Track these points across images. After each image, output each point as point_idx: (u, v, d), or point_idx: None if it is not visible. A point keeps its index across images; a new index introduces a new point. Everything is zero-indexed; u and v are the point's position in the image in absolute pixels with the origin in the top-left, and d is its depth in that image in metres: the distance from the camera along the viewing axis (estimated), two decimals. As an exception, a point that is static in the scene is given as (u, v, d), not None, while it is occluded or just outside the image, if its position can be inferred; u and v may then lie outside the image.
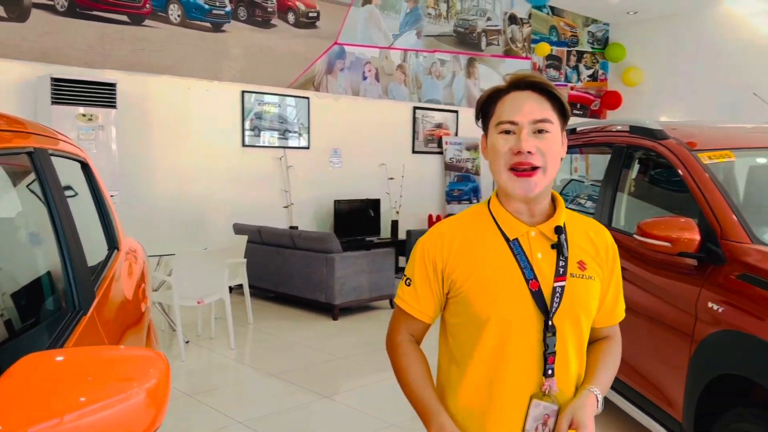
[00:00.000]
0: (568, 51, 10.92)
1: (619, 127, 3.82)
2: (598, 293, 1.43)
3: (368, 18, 8.29)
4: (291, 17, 7.61)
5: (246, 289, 5.98)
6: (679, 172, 2.92)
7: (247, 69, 7.29)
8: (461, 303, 1.40)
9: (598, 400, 1.37)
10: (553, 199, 1.45)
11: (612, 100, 11.24)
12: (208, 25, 6.95)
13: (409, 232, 8.29)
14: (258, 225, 6.85)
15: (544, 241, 1.39)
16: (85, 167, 2.26)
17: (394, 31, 8.57)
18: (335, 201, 7.83)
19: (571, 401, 1.36)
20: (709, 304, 2.44)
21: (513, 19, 10.05)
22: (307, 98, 7.77)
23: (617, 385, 3.20)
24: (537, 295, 1.35)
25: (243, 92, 7.24)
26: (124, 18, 6.38)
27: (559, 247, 1.38)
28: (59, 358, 0.92)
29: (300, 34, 7.69)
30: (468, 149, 9.35)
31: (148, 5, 6.51)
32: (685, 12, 10.22)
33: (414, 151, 8.92)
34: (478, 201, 9.44)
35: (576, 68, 11.10)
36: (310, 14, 7.78)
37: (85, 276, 1.65)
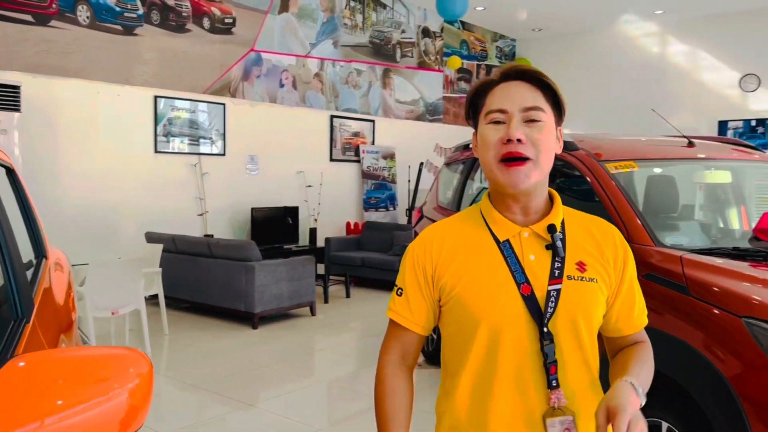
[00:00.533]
0: (478, 65, 11.37)
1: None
2: (601, 297, 1.30)
3: (285, 26, 8.31)
4: (206, 22, 7.51)
5: (161, 300, 5.83)
6: (589, 180, 3.17)
7: (161, 73, 7.12)
8: (451, 310, 1.31)
9: (636, 390, 1.17)
10: (551, 198, 1.36)
11: (519, 113, 11.78)
12: (119, 27, 6.75)
13: (327, 240, 8.35)
14: (172, 233, 6.69)
15: (538, 241, 1.29)
16: (11, 173, 2.19)
17: (311, 40, 8.63)
18: (252, 208, 7.77)
19: (605, 396, 1.18)
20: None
21: (426, 33, 10.36)
22: (223, 104, 7.68)
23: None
24: (529, 300, 1.24)
25: (156, 97, 7.07)
26: (29, 18, 6.08)
27: (553, 248, 1.27)
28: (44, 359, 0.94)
29: (216, 40, 7.60)
30: (384, 158, 9.53)
31: (54, 5, 6.24)
32: (585, 30, 10.91)
33: (332, 159, 9.00)
34: (394, 209, 9.63)
35: (486, 81, 11.58)
36: (226, 20, 7.70)
37: (25, 284, 1.62)
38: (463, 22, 10.89)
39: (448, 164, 5.29)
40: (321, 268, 7.70)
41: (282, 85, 8.29)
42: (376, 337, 5.85)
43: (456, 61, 9.94)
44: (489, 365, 1.26)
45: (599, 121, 10.70)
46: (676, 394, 2.41)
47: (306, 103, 8.61)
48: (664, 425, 2.42)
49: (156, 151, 7.11)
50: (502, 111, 1.26)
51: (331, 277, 7.96)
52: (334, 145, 9.00)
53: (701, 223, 3.60)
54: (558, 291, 1.25)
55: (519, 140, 1.23)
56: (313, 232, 8.46)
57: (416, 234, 5.34)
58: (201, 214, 7.53)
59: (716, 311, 2.24)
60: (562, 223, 1.32)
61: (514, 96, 1.27)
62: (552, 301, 1.24)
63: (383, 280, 8.06)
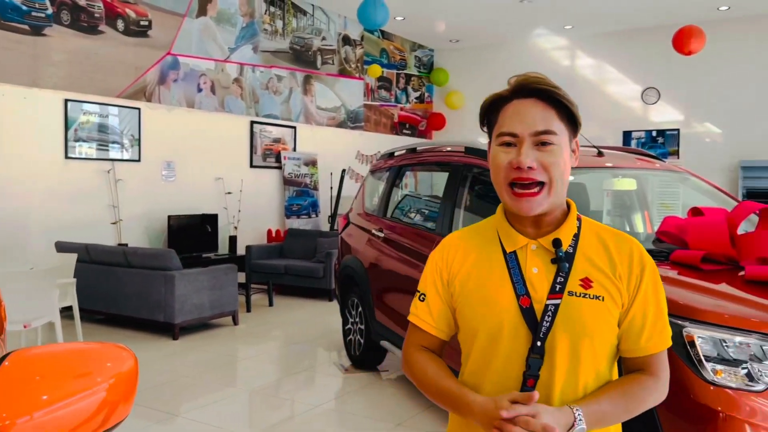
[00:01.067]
0: (397, 73, 11.62)
1: (451, 148, 4.27)
2: (608, 315, 1.27)
3: (203, 30, 8.20)
4: (120, 24, 7.31)
5: (76, 311, 5.62)
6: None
7: (72, 76, 6.87)
8: (459, 315, 1.36)
9: (575, 419, 1.17)
10: (569, 208, 1.35)
11: (437, 122, 12.12)
12: (27, 27, 6.46)
13: (248, 248, 8.28)
14: (84, 242, 6.45)
15: (544, 254, 1.30)
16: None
17: (230, 45, 8.56)
18: (169, 216, 7.60)
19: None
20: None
21: (347, 41, 10.49)
22: (138, 109, 7.49)
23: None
24: (527, 313, 1.26)
25: (66, 101, 6.80)
26: (-76, 12, 5.73)
27: (558, 262, 1.27)
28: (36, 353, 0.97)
29: (130, 43, 7.41)
30: (306, 164, 9.56)
31: (-47, 0, 5.91)
32: (500, 43, 11.38)
33: (252, 166, 8.94)
34: (317, 216, 9.67)
35: (405, 90, 11.83)
36: (142, 23, 7.52)
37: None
38: (383, 32, 11.10)
39: (373, 172, 5.41)
40: (242, 277, 7.63)
41: (200, 90, 8.18)
42: (300, 345, 5.88)
43: (376, 70, 10.12)
44: (481, 372, 1.30)
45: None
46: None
47: (225, 109, 8.52)
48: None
49: (66, 157, 6.84)
50: (512, 134, 1.26)
51: (252, 285, 7.90)
52: (255, 151, 8.95)
53: (616, 225, 3.88)
54: (556, 306, 1.24)
55: (530, 167, 1.23)
56: (233, 240, 8.37)
57: (342, 241, 5.44)
58: (114, 223, 7.30)
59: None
60: (577, 236, 1.31)
61: (526, 118, 1.25)
62: (549, 316, 1.24)
63: (307, 287, 8.08)
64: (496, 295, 1.29)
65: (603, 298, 1.26)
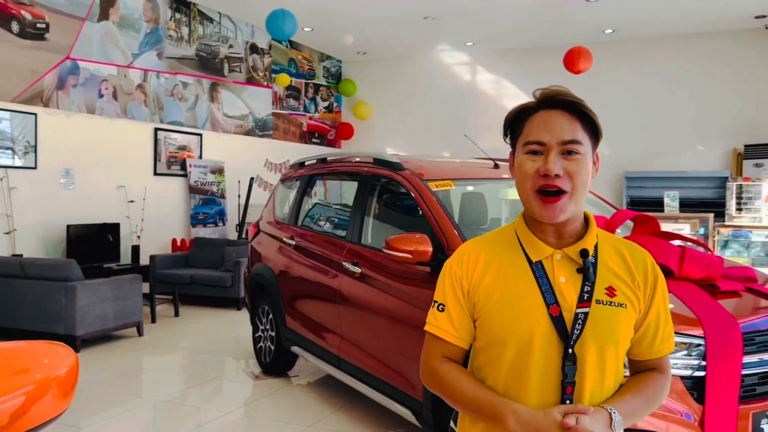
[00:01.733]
0: (306, 83, 11.74)
1: (361, 159, 4.48)
2: (630, 322, 1.35)
3: (105, 34, 8.00)
4: (15, 26, 7.02)
5: (-34, 327, 5.36)
6: (414, 197, 3.61)
7: (-40, 78, 6.53)
8: (482, 326, 1.36)
9: (612, 420, 1.26)
10: (586, 220, 1.39)
11: (346, 131, 12.34)
12: None
13: (152, 257, 8.12)
14: (-24, 254, 6.15)
15: (569, 264, 1.34)
16: None
17: (134, 50, 8.39)
18: (68, 226, 7.34)
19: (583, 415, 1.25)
20: (441, 302, 3.11)
21: (254, 49, 10.51)
22: (35, 114, 7.20)
23: (368, 379, 3.76)
24: (557, 321, 1.29)
25: (-46, 104, 6.46)
26: None
27: (584, 271, 1.32)
28: None
29: (26, 45, 7.13)
30: (213, 172, 9.49)
31: None
32: (405, 56, 11.77)
33: (156, 173, 8.77)
34: (224, 224, 9.61)
35: (314, 100, 11.97)
36: (38, 25, 7.26)
37: None
38: (291, 42, 11.20)
39: (283, 180, 5.52)
40: (146, 287, 7.47)
41: (101, 96, 7.96)
42: (207, 355, 5.88)
43: (285, 79, 10.21)
44: (513, 380, 1.32)
45: (421, 142, 11.58)
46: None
47: (128, 115, 8.34)
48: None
49: (-46, 163, 6.48)
50: (540, 143, 1.30)
51: (158, 296, 7.75)
52: (159, 158, 8.80)
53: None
54: (585, 314, 1.29)
55: (557, 175, 1.27)
56: (135, 249, 8.18)
57: (253, 249, 5.51)
58: (8, 232, 6.97)
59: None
60: (595, 246, 1.36)
61: (553, 127, 1.30)
62: (579, 324, 1.29)
63: (215, 297, 8.02)
64: (525, 304, 1.31)
65: (626, 305, 1.33)
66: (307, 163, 5.25)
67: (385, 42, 10.91)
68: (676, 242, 3.03)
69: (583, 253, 1.33)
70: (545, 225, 1.34)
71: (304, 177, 5.11)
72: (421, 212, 3.61)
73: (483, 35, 10.33)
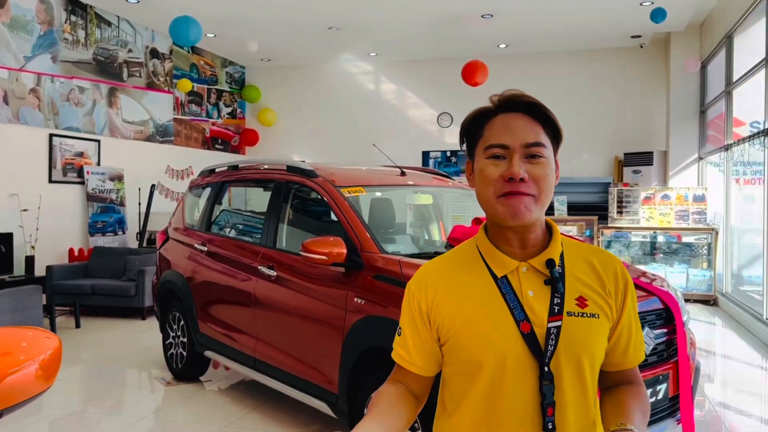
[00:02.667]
0: (208, 89, 11.70)
1: (274, 166, 4.68)
2: (603, 332, 1.29)
3: (-6, 34, 7.71)
4: None
5: None
6: (328, 202, 3.87)
7: None
8: (450, 350, 1.29)
9: None
10: (549, 229, 1.34)
11: (250, 138, 12.39)
12: None
13: (49, 268, 7.88)
14: None
15: (536, 276, 1.28)
16: None
17: (26, 53, 8.12)
18: (-45, 237, 7.02)
19: None
20: (355, 299, 3.39)
21: (155, 54, 10.39)
22: None
23: (284, 377, 3.97)
24: (529, 338, 1.23)
25: None
26: None
27: (552, 283, 1.26)
28: None
29: None
30: (112, 179, 9.29)
31: None
32: (310, 64, 12.00)
33: (51, 181, 8.50)
34: (124, 233, 9.43)
35: (216, 105, 11.95)
36: None
37: None
38: (193, 47, 11.14)
39: (193, 187, 5.61)
40: (44, 299, 7.24)
41: (-9, 99, 7.65)
42: (113, 365, 5.84)
43: (186, 84, 10.16)
44: (489, 405, 1.25)
45: (326, 149, 11.84)
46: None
47: (20, 120, 8.05)
48: (392, 392, 3.16)
49: None
50: (503, 146, 1.25)
51: (57, 307, 7.54)
52: (54, 165, 8.53)
53: (411, 235, 4.57)
54: (558, 328, 1.23)
55: (522, 179, 1.22)
56: (30, 260, 7.90)
57: (161, 256, 5.56)
58: None
59: (425, 299, 3.06)
60: (561, 255, 1.30)
61: (516, 130, 1.25)
62: (552, 339, 1.22)
63: (118, 307, 7.89)
64: (495, 323, 1.25)
65: (598, 315, 1.28)
66: (217, 170, 5.37)
67: (290, 50, 11.10)
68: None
69: (550, 263, 1.27)
70: (509, 234, 1.28)
71: (215, 184, 5.24)
72: (333, 217, 3.88)
73: (385, 46, 10.74)
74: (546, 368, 1.22)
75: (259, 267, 4.20)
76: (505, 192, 1.24)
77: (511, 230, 1.28)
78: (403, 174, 4.39)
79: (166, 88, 10.65)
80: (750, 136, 7.18)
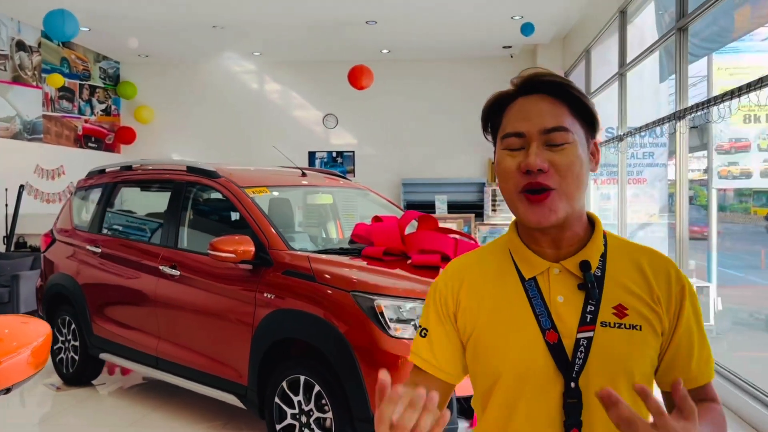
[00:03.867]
0: (81, 84, 11.22)
1: (170, 167, 4.76)
2: (647, 347, 1.13)
3: None
4: None
5: None
6: (233, 202, 4.04)
7: None
8: (472, 353, 1.20)
9: None
10: (592, 225, 1.21)
11: (126, 136, 12.00)
12: None
13: None
14: None
15: (570, 279, 1.16)
16: None
17: None
18: None
19: None
20: (265, 295, 3.60)
21: (21, 46, 9.84)
22: None
23: (189, 374, 4.09)
24: (555, 349, 1.11)
25: None
26: None
27: (586, 288, 1.14)
28: None
29: None
30: (-24, 180, 8.72)
31: None
32: (191, 61, 11.83)
33: None
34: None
35: (89, 102, 11.47)
36: None
37: None
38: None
39: (81, 188, 5.51)
40: None
41: None
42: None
43: (58, 79, 9.71)
44: (506, 419, 1.16)
45: (208, 148, 11.74)
46: (311, 354, 3.45)
47: None
48: (302, 378, 3.42)
49: None
50: (518, 134, 1.14)
51: None
52: None
53: (314, 233, 4.83)
54: (589, 340, 1.11)
55: (540, 170, 1.10)
56: None
57: (47, 260, 5.43)
58: None
59: (334, 290, 3.34)
60: (604, 255, 1.18)
61: (533, 115, 1.13)
62: (581, 352, 1.10)
63: (-14, 315, 7.45)
64: (518, 330, 1.15)
65: (640, 327, 1.13)
66: (108, 171, 5.33)
67: (170, 46, 10.90)
68: (453, 236, 3.87)
69: (584, 265, 1.15)
70: (537, 234, 1.17)
71: (107, 185, 5.20)
72: (238, 216, 4.06)
73: (270, 46, 10.85)
74: (573, 384, 1.10)
75: (161, 267, 4.27)
76: (524, 186, 1.12)
77: (540, 231, 1.16)
78: (303, 175, 4.64)
79: (35, 83, 10.11)
80: (605, 141, 8.09)
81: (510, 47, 10.62)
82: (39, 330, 1.40)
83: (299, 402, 3.45)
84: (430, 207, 9.45)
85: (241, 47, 11.03)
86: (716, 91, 7.26)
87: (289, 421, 3.50)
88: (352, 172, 11.42)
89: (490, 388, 1.17)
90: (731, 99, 4.17)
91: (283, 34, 10.07)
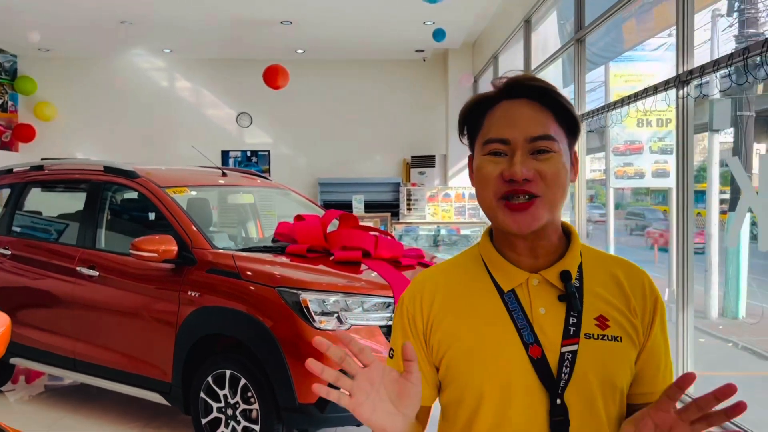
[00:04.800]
0: (-25, 78, 10.67)
1: (85, 167, 4.73)
2: (628, 359, 1.12)
3: None
4: None
5: None
6: (154, 202, 4.10)
7: None
8: (447, 376, 1.14)
9: None
10: (567, 234, 1.19)
11: (25, 133, 11.49)
12: None
13: None
14: None
15: (549, 290, 1.12)
16: None
17: None
18: None
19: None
20: (189, 293, 3.69)
21: None
22: None
23: (109, 374, 4.11)
24: (540, 365, 1.07)
25: None
26: None
27: (568, 299, 1.10)
28: None
29: None
30: None
31: None
32: (97, 57, 11.49)
33: None
34: None
35: (-15, 97, 10.93)
36: None
37: None
38: (-45, 30, 10.10)
39: (-13, 189, 5.35)
40: None
41: None
42: None
43: (-49, 73, 9.22)
44: None
45: (115, 146, 11.44)
46: (237, 349, 3.58)
47: None
48: (228, 372, 3.55)
49: None
50: (503, 141, 1.10)
51: None
52: None
53: (234, 232, 4.93)
54: (574, 353, 1.08)
55: (525, 179, 1.07)
56: None
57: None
58: None
59: (259, 286, 3.49)
60: (580, 267, 1.16)
61: (519, 121, 1.10)
62: (567, 366, 1.07)
63: None
64: (498, 346, 1.10)
65: (621, 338, 1.11)
66: (15, 170, 5.21)
67: (74, 41, 10.55)
68: (373, 233, 4.10)
69: (564, 275, 1.12)
70: (516, 240, 1.13)
71: (15, 185, 5.07)
72: (158, 216, 4.12)
73: (182, 44, 10.72)
74: (558, 401, 1.06)
75: (78, 268, 4.26)
76: (505, 193, 1.09)
77: (519, 238, 1.13)
78: (224, 174, 4.73)
79: (-77, 76, 9.55)
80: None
81: (422, 51, 10.99)
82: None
83: (225, 395, 3.57)
84: (347, 206, 9.67)
85: (151, 44, 10.84)
86: (612, 97, 7.88)
87: (214, 414, 3.61)
88: (268, 171, 11.46)
89: (473, 411, 1.12)
90: (623, 106, 4.62)
91: (196, 32, 10.00)
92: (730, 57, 3.22)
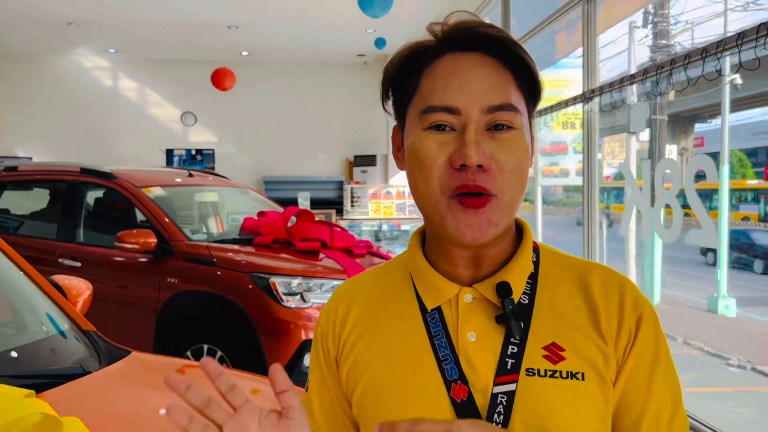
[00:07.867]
0: None
1: (61, 168, 5.25)
2: (593, 400, 0.81)
3: None
4: None
5: None
6: (133, 202, 4.68)
7: None
8: (359, 416, 0.91)
9: None
10: (520, 232, 0.91)
11: (-37, 131, 11.61)
12: None
13: None
14: None
15: (486, 309, 0.85)
16: None
17: None
18: None
19: None
20: (168, 280, 4.31)
21: None
22: None
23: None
24: (464, 409, 0.81)
25: None
26: None
27: (506, 321, 0.82)
28: None
29: None
30: None
31: None
32: (37, 56, 11.70)
33: None
34: None
35: None
36: None
37: None
38: None
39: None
40: None
41: None
42: None
43: None
44: None
45: (57, 146, 11.71)
46: (216, 327, 4.24)
47: None
48: (205, 347, 4.19)
49: None
50: (451, 110, 0.81)
51: None
52: None
53: (202, 226, 5.55)
54: (510, 395, 0.81)
55: (480, 166, 0.79)
56: None
57: None
58: None
59: (233, 272, 4.15)
60: (534, 276, 0.88)
61: (472, 83, 0.81)
62: (499, 413, 0.80)
63: None
64: (414, 381, 0.85)
65: (583, 375, 0.81)
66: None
67: (12, 39, 10.76)
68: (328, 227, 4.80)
69: (501, 290, 0.84)
70: (454, 250, 0.87)
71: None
72: (133, 213, 4.71)
73: (126, 44, 11.08)
74: None
75: (60, 260, 4.79)
76: (457, 187, 0.80)
77: (460, 246, 0.85)
78: (191, 175, 5.34)
79: None
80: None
81: (364, 55, 11.72)
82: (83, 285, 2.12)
83: (203, 367, 4.20)
84: (292, 203, 10.28)
85: (95, 43, 11.16)
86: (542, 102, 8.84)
87: (193, 384, 4.23)
88: (212, 169, 11.96)
89: None
90: (542, 115, 5.48)
91: (141, 33, 10.40)
92: (621, 81, 4.09)
